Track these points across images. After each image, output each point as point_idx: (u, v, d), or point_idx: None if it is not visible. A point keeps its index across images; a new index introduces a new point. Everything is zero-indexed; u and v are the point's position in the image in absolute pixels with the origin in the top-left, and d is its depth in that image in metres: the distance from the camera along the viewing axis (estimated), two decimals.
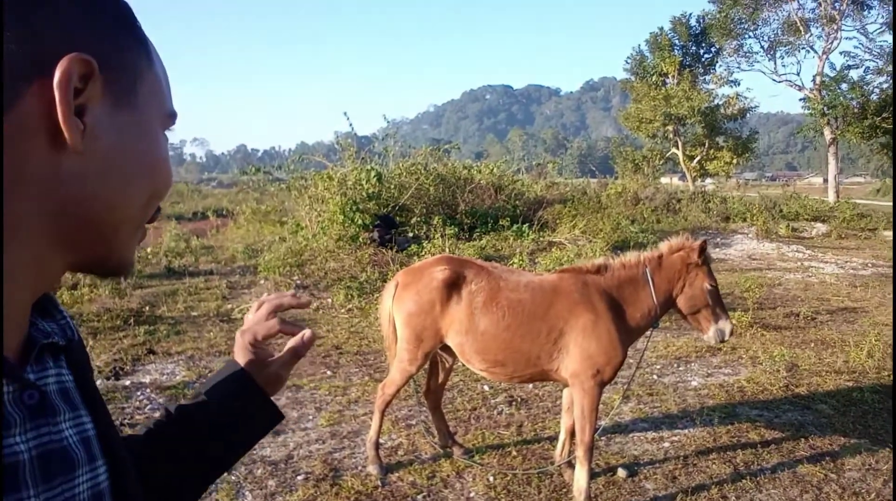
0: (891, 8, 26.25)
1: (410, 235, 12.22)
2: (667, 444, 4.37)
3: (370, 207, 12.05)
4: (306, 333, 0.99)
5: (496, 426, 4.60)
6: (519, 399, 5.12)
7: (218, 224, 16.92)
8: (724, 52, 31.34)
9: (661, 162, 31.04)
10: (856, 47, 39.14)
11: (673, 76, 31.61)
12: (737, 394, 5.34)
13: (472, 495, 3.64)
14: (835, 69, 28.17)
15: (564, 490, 3.70)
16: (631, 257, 3.64)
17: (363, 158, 13.64)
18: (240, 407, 0.93)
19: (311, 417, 4.68)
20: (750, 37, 30.25)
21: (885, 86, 26.46)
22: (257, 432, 0.98)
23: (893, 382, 5.51)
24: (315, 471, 3.83)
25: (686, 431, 4.58)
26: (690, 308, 3.58)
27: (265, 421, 0.97)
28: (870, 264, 12.92)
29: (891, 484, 3.82)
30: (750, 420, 4.78)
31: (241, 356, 0.95)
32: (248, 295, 8.58)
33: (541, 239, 12.51)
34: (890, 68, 25.56)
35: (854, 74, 27.33)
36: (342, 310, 7.93)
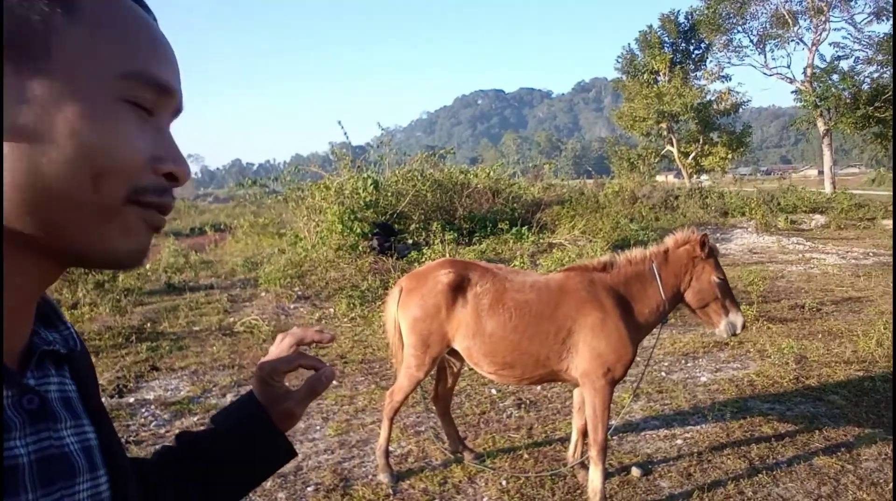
0: None
1: (410, 241, 12.18)
2: (679, 441, 4.32)
3: (368, 215, 12.01)
4: (326, 371, 0.96)
5: (506, 430, 4.55)
6: (528, 402, 5.06)
7: (216, 239, 16.87)
8: (714, 48, 31.45)
9: (656, 160, 31.07)
10: (845, 38, 39.30)
11: (664, 73, 31.66)
12: (747, 388, 5.29)
13: (485, 500, 3.58)
14: (825, 61, 28.30)
15: (579, 491, 3.65)
16: (637, 252, 3.59)
17: (359, 167, 13.62)
18: (251, 440, 0.90)
19: (318, 427, 4.62)
20: (739, 31, 30.37)
21: (875, 75, 26.55)
22: (268, 467, 0.94)
23: (893, 372, 5.45)
24: (325, 482, 3.78)
25: (698, 427, 4.53)
26: (699, 302, 3.54)
27: (277, 457, 0.94)
28: (871, 254, 12.89)
29: None
30: (762, 414, 4.73)
31: (257, 389, 0.92)
32: (249, 308, 8.52)
33: (541, 241, 12.47)
34: (880, 57, 25.63)
35: (844, 65, 27.45)
36: (345, 319, 7.87)
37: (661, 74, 31.93)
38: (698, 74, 32.84)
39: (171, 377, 5.79)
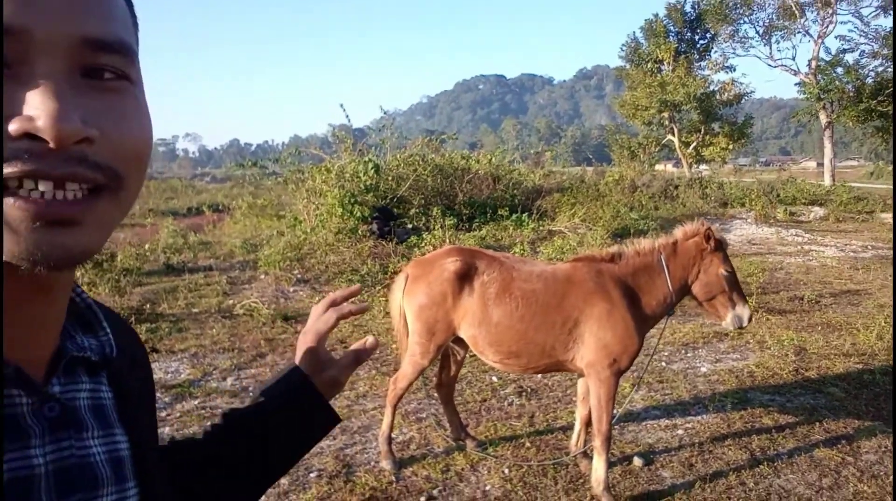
0: None
1: (409, 226, 12.16)
2: (681, 431, 4.33)
3: (368, 199, 11.97)
4: (369, 339, 0.99)
5: (507, 418, 4.56)
6: (529, 390, 5.07)
7: (214, 219, 16.79)
8: (720, 38, 31.27)
9: (657, 149, 30.99)
10: (851, 31, 39.21)
11: (668, 63, 31.48)
12: (747, 379, 5.31)
13: (487, 488, 3.59)
14: (830, 53, 28.15)
15: (581, 480, 3.66)
16: (645, 244, 3.58)
17: (360, 150, 13.55)
18: (297, 410, 0.91)
19: None
20: (745, 22, 30.21)
21: (880, 69, 26.45)
22: (314, 435, 0.96)
23: (894, 366, 5.46)
24: (327, 468, 3.78)
25: (699, 417, 4.54)
26: (706, 295, 3.53)
27: (322, 424, 0.96)
28: (869, 247, 12.90)
29: None
30: (762, 405, 4.74)
31: (300, 359, 0.94)
32: (248, 290, 8.51)
33: (540, 228, 12.46)
34: (885, 51, 25.51)
35: (850, 58, 27.33)
36: (344, 304, 7.85)
37: (665, 63, 31.75)
38: (702, 64, 32.66)
39: (170, 359, 5.78)
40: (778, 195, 19.77)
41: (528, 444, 4.13)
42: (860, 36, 27.46)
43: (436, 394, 4.82)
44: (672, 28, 32.44)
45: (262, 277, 9.24)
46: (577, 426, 3.84)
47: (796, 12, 28.64)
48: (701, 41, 33.10)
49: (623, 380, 5.00)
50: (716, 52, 32.36)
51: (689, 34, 32.80)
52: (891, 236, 14.57)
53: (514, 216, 12.72)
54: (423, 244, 10.44)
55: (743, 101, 31.55)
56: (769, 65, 30.19)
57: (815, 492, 3.55)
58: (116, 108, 0.54)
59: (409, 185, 13.13)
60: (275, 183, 15.00)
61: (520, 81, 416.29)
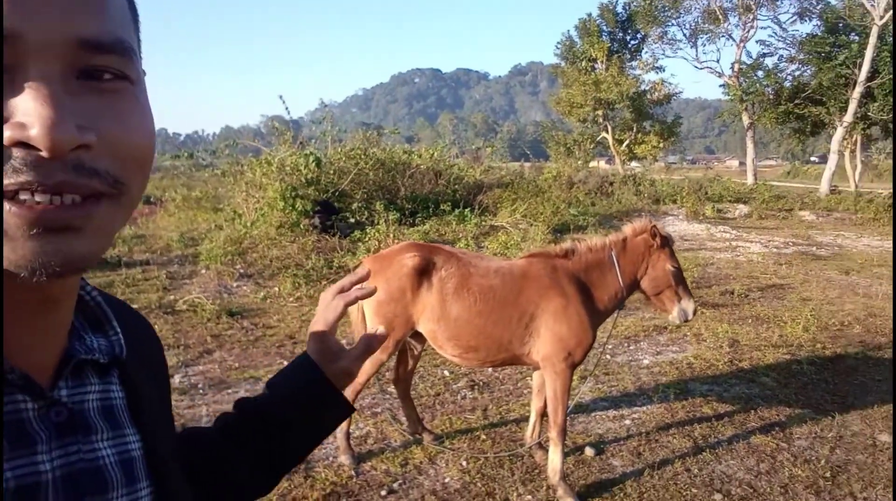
0: None
1: (352, 220, 12.07)
2: (628, 421, 4.51)
3: (309, 193, 11.81)
4: (379, 328, 0.97)
5: (461, 411, 4.63)
6: (481, 383, 5.16)
7: (146, 212, 16.18)
8: (650, 39, 32.32)
9: (591, 146, 31.78)
10: (770, 36, 41.14)
11: (602, 62, 32.31)
12: (686, 370, 5.56)
13: (447, 480, 3.65)
14: (751, 57, 29.54)
15: (537, 471, 3.76)
16: (597, 240, 3.70)
17: (301, 143, 13.34)
18: (307, 399, 0.91)
19: None
20: (673, 24, 31.31)
21: (797, 73, 27.93)
22: (327, 425, 0.96)
23: (893, 364, 5.74)
24: None
25: (644, 408, 4.74)
26: (654, 289, 3.69)
27: (335, 414, 0.95)
28: (790, 243, 13.66)
29: (838, 451, 4.08)
30: (702, 395, 4.99)
31: (312, 349, 0.93)
32: (189, 285, 8.27)
33: (483, 223, 12.60)
34: (801, 56, 26.96)
35: (769, 62, 28.74)
36: (290, 299, 7.76)
37: (598, 62, 32.57)
38: (634, 63, 33.68)
39: None
40: (706, 193, 20.63)
41: (483, 437, 4.21)
42: (778, 41, 28.96)
43: (391, 389, 4.85)
44: (605, 28, 33.31)
45: (203, 271, 9.00)
46: (533, 417, 3.94)
47: (720, 17, 29.88)
48: (632, 41, 34.14)
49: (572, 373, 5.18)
50: (646, 52, 33.48)
51: (621, 34, 33.77)
52: (809, 233, 15.47)
53: (456, 211, 12.81)
54: (366, 239, 10.40)
55: (672, 100, 32.74)
56: (696, 66, 31.42)
57: (754, 476, 3.77)
58: (115, 109, 0.52)
59: (351, 179, 13.02)
60: (211, 175, 14.55)
61: (456, 76, 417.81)
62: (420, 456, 3.90)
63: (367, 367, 3.69)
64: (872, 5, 22.23)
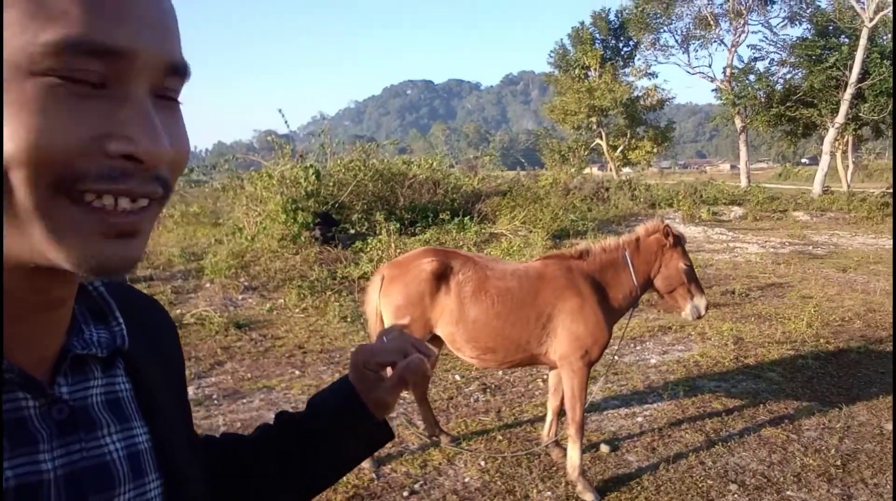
0: (791, 2, 27.98)
1: (352, 232, 12.16)
2: (640, 418, 4.59)
3: (310, 205, 11.89)
4: (413, 360, 0.88)
5: (475, 413, 4.70)
6: (492, 386, 5.23)
7: None
8: (642, 46, 32.63)
9: (586, 153, 31.99)
10: (761, 41, 41.59)
11: (595, 69, 32.61)
12: (693, 368, 5.65)
13: (466, 480, 3.72)
14: (743, 62, 29.86)
15: (554, 468, 3.83)
16: (611, 241, 3.80)
17: (301, 156, 13.45)
18: (347, 425, 0.89)
19: None
20: (665, 31, 31.64)
21: (788, 76, 28.23)
22: (362, 449, 0.94)
23: (894, 362, 5.84)
24: None
25: (655, 405, 4.82)
26: (667, 287, 3.77)
27: (371, 440, 0.93)
28: (787, 243, 13.80)
29: (847, 441, 4.17)
30: (711, 391, 5.07)
31: (352, 374, 0.91)
32: (195, 299, 8.32)
33: (483, 231, 12.69)
34: (793, 59, 27.26)
35: (760, 66, 29.04)
36: (296, 310, 7.82)
37: (591, 69, 32.87)
38: (627, 70, 34.01)
39: None
40: (701, 196, 20.81)
41: (499, 437, 4.28)
42: (769, 45, 29.27)
43: (404, 393, 4.91)
44: (598, 35, 33.65)
45: (208, 285, 9.05)
46: (549, 416, 4.02)
47: (711, 23, 30.24)
48: (625, 48, 34.49)
49: None
50: (639, 59, 33.83)
51: (613, 42, 34.13)
52: (804, 232, 15.63)
53: (456, 220, 12.90)
54: (368, 249, 10.49)
55: (665, 106, 33.02)
56: (688, 72, 31.75)
57: (766, 467, 3.85)
58: (175, 125, 0.56)
59: (350, 190, 13.12)
60: (211, 190, 14.63)
61: (448, 87, 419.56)
62: (438, 458, 3.97)
63: None
64: (862, 8, 22.54)
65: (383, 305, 3.76)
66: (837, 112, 24.37)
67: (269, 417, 4.51)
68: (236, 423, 4.51)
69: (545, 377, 5.35)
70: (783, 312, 7.49)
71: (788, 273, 10.22)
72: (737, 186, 26.46)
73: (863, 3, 22.70)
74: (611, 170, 33.26)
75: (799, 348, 6.18)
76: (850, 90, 23.33)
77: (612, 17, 33.63)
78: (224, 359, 5.96)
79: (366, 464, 3.81)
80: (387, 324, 3.76)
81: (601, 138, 32.60)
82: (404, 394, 4.90)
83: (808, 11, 27.70)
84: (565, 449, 3.79)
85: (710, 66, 40.34)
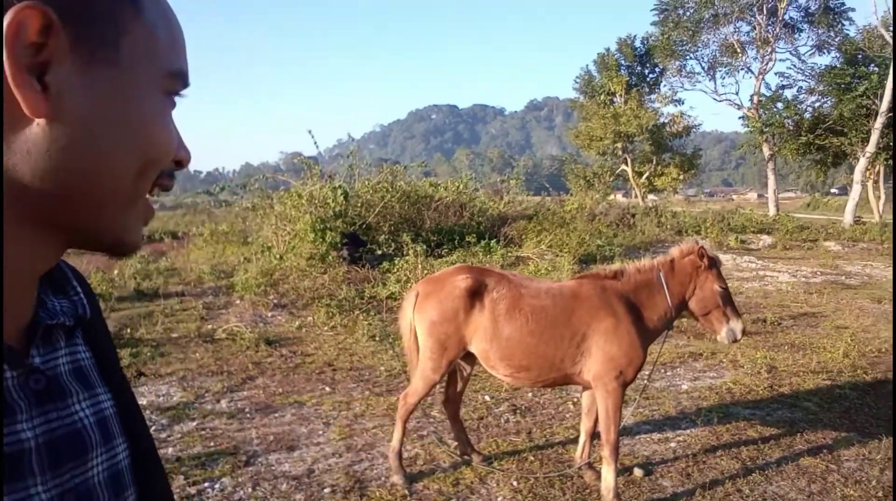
0: (820, 31, 27.87)
1: (379, 252, 12.25)
2: (673, 444, 4.52)
3: (338, 225, 12.01)
4: None
5: (506, 434, 4.67)
6: (522, 407, 5.20)
7: (175, 246, 16.53)
8: (668, 73, 32.66)
9: (611, 179, 31.95)
10: (789, 68, 41.33)
11: (620, 95, 32.69)
12: (727, 395, 5.57)
13: (499, 499, 3.70)
14: (770, 89, 29.72)
15: (587, 490, 3.79)
16: (645, 262, 3.79)
17: (329, 176, 13.64)
18: None
19: (321, 432, 4.65)
20: (691, 58, 31.66)
21: (816, 104, 28.02)
22: None
23: (894, 379, 5.77)
24: (340, 484, 3.82)
25: (689, 431, 4.75)
26: (702, 310, 3.75)
27: None
28: (819, 273, 13.58)
29: (888, 472, 4.06)
30: (745, 419, 4.99)
31: None
32: (225, 315, 8.43)
33: (508, 254, 12.70)
34: (821, 88, 27.08)
35: (788, 94, 28.87)
36: (325, 328, 7.88)
37: (617, 95, 32.95)
38: (652, 97, 34.03)
39: (159, 382, 5.71)
40: (729, 224, 20.61)
41: (531, 458, 4.25)
42: (797, 73, 29.14)
43: (434, 413, 4.93)
44: (623, 62, 33.78)
45: (238, 302, 9.17)
46: (582, 438, 3.99)
47: (738, 50, 30.21)
48: (651, 75, 34.56)
49: None
50: (665, 85, 33.81)
51: (639, 68, 34.23)
52: (836, 262, 15.37)
53: (482, 243, 12.92)
54: (395, 270, 10.55)
55: (691, 133, 32.91)
56: (714, 99, 31.66)
57: (806, 497, 3.77)
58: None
59: (378, 211, 13.24)
60: (242, 209, 14.88)
61: (472, 112, 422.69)
62: (470, 477, 3.95)
63: (420, 388, 3.79)
64: (892, 36, 22.38)
65: (417, 321, 3.78)
66: (868, 141, 24.09)
67: (302, 431, 4.56)
68: (269, 436, 4.54)
69: (576, 399, 5.32)
70: (817, 341, 7.36)
71: (821, 303, 10.04)
72: (765, 215, 26.17)
73: (892, 31, 22.55)
74: (636, 196, 33.10)
75: (835, 378, 6.06)
76: (881, 119, 23.07)
77: (637, 43, 33.78)
78: (255, 374, 6.02)
79: (398, 481, 3.81)
80: (421, 340, 3.78)
81: (626, 164, 32.55)
82: (436, 413, 4.92)
83: (836, 40, 27.60)
84: (598, 472, 3.76)
85: (736, 93, 40.22)
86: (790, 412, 5.17)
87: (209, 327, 7.70)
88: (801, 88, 28.94)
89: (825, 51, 28.29)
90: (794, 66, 29.68)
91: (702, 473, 4.06)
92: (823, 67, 27.18)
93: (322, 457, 4.22)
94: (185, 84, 0.62)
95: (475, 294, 3.67)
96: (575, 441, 4.28)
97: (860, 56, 25.66)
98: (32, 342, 0.58)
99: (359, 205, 13.40)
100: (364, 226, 13.02)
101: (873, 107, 23.87)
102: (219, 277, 11.08)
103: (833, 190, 75.33)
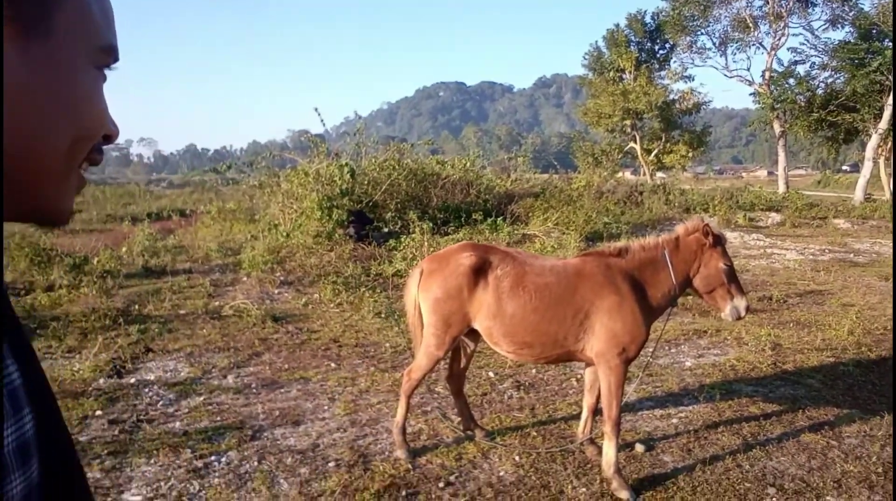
0: (834, 5, 27.38)
1: (385, 230, 12.27)
2: (675, 420, 4.56)
3: (344, 203, 12.02)
4: None
5: (509, 410, 4.72)
6: (526, 384, 5.24)
7: (182, 224, 16.61)
8: (678, 49, 32.20)
9: (620, 156, 31.72)
10: (802, 44, 40.72)
11: (630, 72, 32.33)
12: (730, 372, 5.59)
13: (501, 474, 3.74)
14: (782, 65, 29.29)
15: (589, 465, 3.84)
16: (650, 239, 3.79)
17: (336, 154, 13.62)
18: None
19: (326, 407, 4.71)
20: (702, 33, 31.17)
21: (829, 80, 27.63)
22: None
23: (894, 357, 5.77)
24: (344, 458, 3.88)
25: (691, 407, 4.78)
26: (707, 287, 3.75)
27: None
28: (827, 250, 13.52)
29: (888, 448, 4.08)
30: (748, 396, 5.01)
31: None
32: (232, 292, 8.50)
33: (515, 232, 12.69)
34: (835, 63, 26.67)
35: (801, 70, 28.45)
36: (331, 305, 7.92)
37: (626, 72, 32.59)
38: (662, 73, 33.64)
39: (166, 358, 5.78)
40: (737, 201, 20.48)
41: (533, 433, 4.29)
42: (811, 48, 28.67)
43: (438, 388, 4.98)
44: (633, 38, 33.34)
45: (245, 279, 9.23)
46: (584, 413, 4.02)
47: (750, 25, 29.73)
48: (661, 51, 34.11)
49: None
50: (675, 62, 33.35)
51: (649, 44, 33.78)
52: (845, 240, 15.28)
53: (488, 220, 12.91)
54: (401, 247, 10.58)
55: (701, 110, 32.57)
56: (725, 75, 31.23)
57: (806, 472, 3.80)
58: None
59: (384, 189, 13.23)
60: (248, 187, 14.91)
61: (480, 89, 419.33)
62: (473, 451, 4.00)
63: (424, 364, 3.82)
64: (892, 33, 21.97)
65: (422, 298, 3.80)
66: (881, 118, 23.79)
67: (307, 407, 4.62)
68: (275, 411, 4.60)
69: (579, 376, 5.35)
70: (823, 319, 7.36)
71: (828, 281, 10.01)
72: (774, 192, 25.97)
73: (892, 32, 22.12)
74: (644, 174, 32.89)
75: (840, 355, 6.07)
76: (893, 95, 22.73)
77: (647, 19, 33.33)
78: (262, 350, 6.08)
79: (402, 455, 3.86)
80: (425, 316, 3.81)
81: (635, 142, 32.30)
82: (440, 389, 4.97)
83: (850, 14, 27.04)
84: (600, 447, 3.80)
85: (748, 69, 39.65)
86: (793, 389, 5.19)
87: (216, 303, 7.77)
88: (813, 63, 28.48)
89: (839, 26, 27.78)
90: (807, 41, 29.41)
91: (703, 449, 4.09)
92: (837, 43, 26.71)
93: (327, 432, 4.28)
94: (116, 58, 0.63)
95: (479, 271, 3.68)
96: (577, 416, 4.32)
97: (874, 31, 25.19)
98: None
99: (365, 183, 13.39)
100: (371, 204, 13.02)
101: (886, 83, 23.51)
102: (226, 254, 11.15)
103: (844, 167, 74.51)
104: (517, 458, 3.92)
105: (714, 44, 31.32)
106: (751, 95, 30.05)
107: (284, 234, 11.61)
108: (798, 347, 6.32)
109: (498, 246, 3.98)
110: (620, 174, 32.92)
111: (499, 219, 13.06)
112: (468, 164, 15.22)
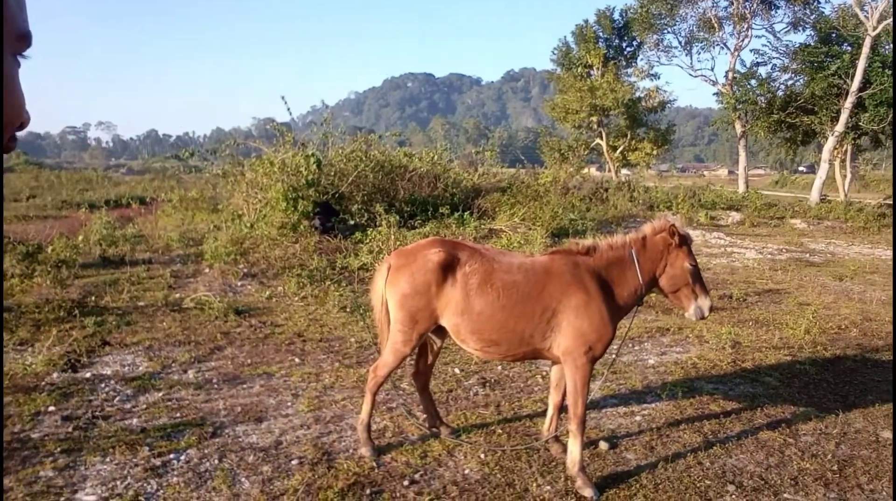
0: (795, 8, 27.98)
1: (351, 222, 12.15)
2: (638, 417, 4.61)
3: (310, 194, 11.86)
4: None
5: (475, 407, 4.71)
6: (492, 381, 5.24)
7: (142, 212, 16.19)
8: (645, 46, 32.54)
9: (586, 152, 31.97)
10: (764, 45, 41.53)
11: (598, 68, 32.58)
12: (692, 370, 5.68)
13: (466, 472, 3.73)
14: (745, 66, 29.84)
15: (553, 463, 3.85)
16: (617, 238, 3.80)
17: (302, 144, 13.42)
18: None
19: (289, 403, 4.63)
20: (668, 32, 31.52)
21: (789, 83, 28.24)
22: None
23: (894, 363, 5.93)
24: (308, 456, 3.82)
25: (654, 405, 4.84)
26: (672, 287, 3.79)
27: None
28: (784, 250, 13.86)
29: (843, 446, 4.20)
30: (708, 393, 5.10)
31: None
32: (193, 284, 8.31)
33: (482, 227, 12.70)
34: (794, 66, 27.28)
35: (762, 71, 29.03)
36: (296, 298, 7.82)
37: (594, 68, 32.84)
38: (629, 70, 33.97)
39: (124, 352, 5.62)
40: (699, 200, 20.85)
41: (498, 431, 4.29)
42: (772, 50, 29.25)
43: (404, 385, 4.94)
44: (601, 34, 33.58)
45: (207, 271, 9.04)
46: (550, 411, 4.03)
47: (715, 25, 30.20)
48: (628, 48, 34.43)
49: None
50: (642, 59, 33.70)
51: (617, 41, 34.07)
52: (801, 240, 15.68)
53: (455, 215, 12.89)
54: (367, 240, 10.49)
55: (665, 108, 33.02)
56: (690, 74, 31.67)
57: (764, 470, 3.88)
58: None
59: (351, 181, 13.09)
60: (211, 176, 14.59)
61: (448, 81, 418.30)
62: (439, 449, 3.98)
63: (390, 361, 3.78)
64: (866, 16, 22.57)
65: (389, 293, 3.76)
66: (837, 120, 24.40)
67: (270, 403, 4.54)
68: (236, 407, 4.51)
69: (544, 373, 5.38)
70: (780, 318, 7.53)
71: (786, 280, 10.26)
72: (734, 192, 26.52)
73: (866, 11, 22.73)
74: (609, 170, 33.26)
75: (796, 354, 6.22)
76: (850, 99, 23.36)
77: (616, 16, 33.59)
78: (224, 344, 5.96)
79: (366, 453, 3.82)
80: (392, 312, 3.76)
81: (601, 138, 32.62)
82: (405, 385, 4.93)
83: (811, 18, 27.66)
84: (565, 445, 3.82)
85: (712, 69, 40.07)
86: (752, 386, 5.30)
87: (177, 295, 7.59)
88: (774, 65, 29.04)
89: (800, 28, 28.36)
90: (770, 43, 29.86)
91: (665, 446, 4.14)
92: (798, 45, 27.31)
93: (290, 429, 4.21)
94: (30, 44, 0.65)
95: (447, 268, 3.65)
96: (543, 414, 4.33)
97: (834, 35, 25.81)
98: None
99: (332, 174, 13.23)
100: (337, 195, 12.88)
101: (844, 86, 24.13)
102: (187, 244, 10.90)
103: (801, 168, 76.34)
104: (482, 456, 3.91)
105: (680, 43, 31.73)
106: (714, 94, 30.57)
107: (248, 225, 11.42)
108: (757, 345, 6.46)
109: (466, 242, 3.95)
110: (586, 170, 33.25)
111: (466, 213, 13.06)
112: (436, 157, 15.14)
